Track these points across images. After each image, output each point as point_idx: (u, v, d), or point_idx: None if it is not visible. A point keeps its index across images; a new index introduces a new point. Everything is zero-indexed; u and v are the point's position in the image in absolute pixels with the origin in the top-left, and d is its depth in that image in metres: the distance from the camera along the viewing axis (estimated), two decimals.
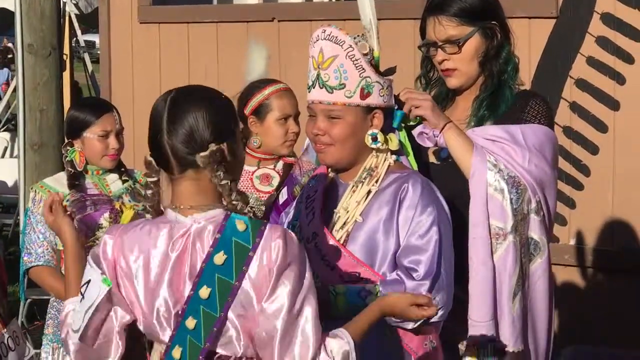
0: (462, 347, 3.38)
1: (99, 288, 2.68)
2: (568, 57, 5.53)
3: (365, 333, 2.74)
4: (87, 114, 4.19)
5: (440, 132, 3.30)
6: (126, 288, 2.69)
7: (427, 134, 3.33)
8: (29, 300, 6.91)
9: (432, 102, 3.33)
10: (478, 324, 3.29)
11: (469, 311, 3.30)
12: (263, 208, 2.73)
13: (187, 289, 2.63)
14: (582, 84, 5.51)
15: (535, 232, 3.35)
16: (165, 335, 2.67)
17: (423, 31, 3.49)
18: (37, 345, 4.72)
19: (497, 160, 3.29)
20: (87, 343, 2.70)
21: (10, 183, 10.47)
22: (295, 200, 3.49)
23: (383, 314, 2.84)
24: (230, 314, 2.60)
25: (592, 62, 5.48)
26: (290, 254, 2.59)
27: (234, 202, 2.66)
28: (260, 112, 4.15)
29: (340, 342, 2.62)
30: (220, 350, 2.63)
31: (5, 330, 3.76)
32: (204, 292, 2.60)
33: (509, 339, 3.31)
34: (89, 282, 2.71)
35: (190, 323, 2.62)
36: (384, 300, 2.86)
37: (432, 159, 3.50)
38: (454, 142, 3.31)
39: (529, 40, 5.56)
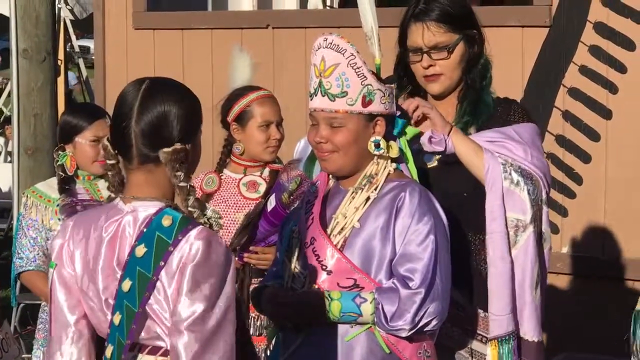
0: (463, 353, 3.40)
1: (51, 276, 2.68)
2: (561, 66, 5.55)
3: None
4: (79, 119, 4.20)
5: (448, 135, 3.33)
6: (69, 269, 2.67)
7: (435, 138, 3.34)
8: (21, 305, 6.90)
9: (437, 110, 3.37)
10: (498, 317, 3.32)
11: (488, 306, 3.33)
12: (221, 221, 2.69)
13: (113, 277, 2.60)
14: (575, 93, 5.53)
15: (544, 223, 3.42)
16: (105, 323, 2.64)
17: (403, 37, 3.50)
18: (30, 350, 4.72)
19: (504, 157, 3.34)
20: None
21: (4, 188, 10.46)
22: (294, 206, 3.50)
23: None
24: (156, 307, 2.55)
25: (584, 71, 5.50)
26: (212, 258, 2.53)
27: (190, 208, 2.61)
28: (242, 118, 4.18)
29: None
30: (151, 343, 2.58)
31: None
32: (126, 285, 2.57)
33: (532, 330, 3.35)
34: None
35: (117, 319, 2.58)
36: None
37: (422, 164, 3.52)
38: (462, 143, 3.34)
39: (522, 49, 5.57)
